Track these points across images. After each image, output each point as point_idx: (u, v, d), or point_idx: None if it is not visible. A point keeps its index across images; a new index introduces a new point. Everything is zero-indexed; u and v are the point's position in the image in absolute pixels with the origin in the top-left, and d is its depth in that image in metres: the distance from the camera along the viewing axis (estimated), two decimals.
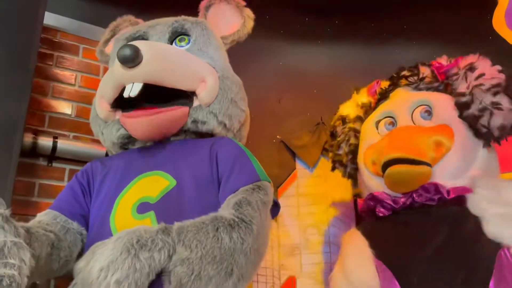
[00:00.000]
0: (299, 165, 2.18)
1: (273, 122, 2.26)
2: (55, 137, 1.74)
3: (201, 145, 1.25)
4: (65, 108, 1.88)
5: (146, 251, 0.91)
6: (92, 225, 1.20)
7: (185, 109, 1.26)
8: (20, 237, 0.90)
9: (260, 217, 1.07)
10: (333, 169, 1.86)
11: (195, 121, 1.28)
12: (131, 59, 1.13)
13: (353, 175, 1.74)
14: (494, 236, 1.22)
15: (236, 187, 1.12)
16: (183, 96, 1.27)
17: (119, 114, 1.29)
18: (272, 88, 2.31)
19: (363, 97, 1.77)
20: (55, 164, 1.78)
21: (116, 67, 1.18)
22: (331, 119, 2.24)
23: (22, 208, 1.66)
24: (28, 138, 1.69)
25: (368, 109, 1.73)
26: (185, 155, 1.23)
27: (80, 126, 1.86)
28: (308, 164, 2.16)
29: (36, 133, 1.73)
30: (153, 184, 1.17)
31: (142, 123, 1.22)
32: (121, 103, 1.26)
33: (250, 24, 1.49)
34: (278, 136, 2.24)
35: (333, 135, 1.81)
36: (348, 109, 1.81)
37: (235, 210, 1.05)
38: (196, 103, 1.28)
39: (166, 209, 1.12)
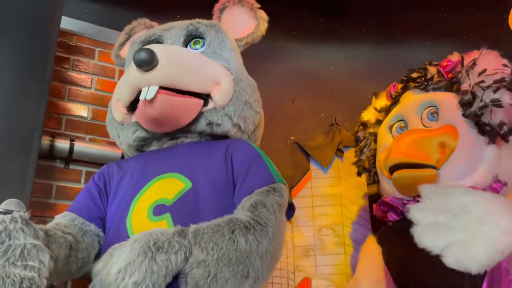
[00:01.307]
0: (313, 166, 2.17)
1: (287, 123, 2.26)
2: (71, 140, 1.76)
3: (216, 147, 1.25)
4: (81, 110, 1.90)
5: (163, 253, 0.92)
6: (109, 227, 1.21)
7: (199, 100, 1.27)
8: (39, 240, 0.91)
9: (276, 219, 1.07)
10: (359, 174, 1.87)
11: (210, 123, 1.28)
12: (147, 63, 1.14)
13: (376, 179, 1.74)
14: (424, 246, 1.17)
15: (251, 189, 1.12)
16: (198, 97, 1.28)
17: (135, 117, 1.30)
18: (285, 89, 2.31)
19: (382, 101, 1.76)
20: (72, 166, 1.80)
21: (132, 70, 1.20)
22: (344, 119, 2.25)
23: (40, 210, 1.69)
24: (46, 141, 1.71)
25: (388, 113, 1.72)
26: (200, 157, 1.23)
27: (96, 129, 1.88)
28: (322, 165, 2.16)
29: (53, 135, 1.75)
30: (169, 186, 1.18)
31: (157, 100, 1.19)
32: (137, 107, 1.27)
33: (264, 26, 1.50)
34: (292, 137, 2.24)
35: (356, 140, 1.82)
36: (369, 114, 1.81)
37: (251, 212, 1.05)
38: (211, 105, 1.29)
39: (182, 211, 1.12)
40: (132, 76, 1.21)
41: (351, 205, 2.09)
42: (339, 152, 2.17)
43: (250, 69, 1.46)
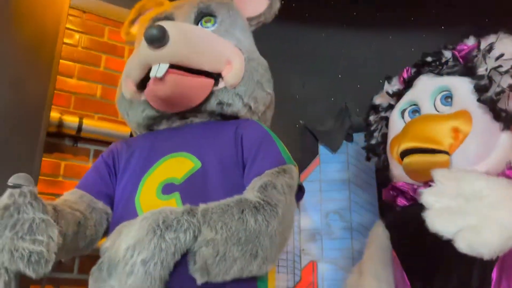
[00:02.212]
0: (322, 150, 2.16)
1: (296, 107, 2.23)
2: (80, 118, 1.76)
3: (226, 127, 1.24)
4: (90, 89, 1.89)
5: (172, 231, 0.91)
6: (117, 205, 1.21)
7: (210, 80, 1.25)
8: (48, 214, 0.91)
9: (286, 201, 1.06)
10: (368, 159, 1.84)
11: (220, 103, 1.26)
12: (158, 40, 1.12)
13: (386, 164, 1.72)
14: (436, 231, 1.13)
15: (262, 170, 1.11)
16: (209, 77, 1.25)
17: (144, 95, 1.28)
18: (296, 72, 2.28)
19: (394, 85, 1.73)
20: (80, 145, 1.80)
21: (142, 47, 1.18)
22: (355, 104, 2.22)
23: (48, 187, 1.69)
24: (54, 118, 1.71)
25: (400, 98, 1.69)
26: (210, 137, 1.22)
27: (105, 108, 1.88)
28: (331, 150, 2.14)
29: (62, 113, 1.75)
30: (178, 165, 1.17)
31: (167, 80, 1.17)
32: (146, 83, 1.26)
33: (277, 5, 1.47)
34: (301, 121, 2.22)
35: (367, 124, 1.79)
36: (381, 98, 1.78)
37: (261, 193, 1.04)
38: (221, 84, 1.27)
39: (191, 190, 1.11)
40: (142, 53, 1.19)
41: (359, 191, 2.08)
42: (349, 137, 2.15)
43: (260, 50, 1.44)
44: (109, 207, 1.21)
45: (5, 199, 0.89)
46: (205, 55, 1.24)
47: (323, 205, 2.06)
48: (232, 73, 1.26)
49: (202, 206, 0.99)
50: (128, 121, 1.37)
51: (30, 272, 0.85)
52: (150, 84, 1.21)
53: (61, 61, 1.81)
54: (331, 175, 2.11)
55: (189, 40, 1.21)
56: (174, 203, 1.09)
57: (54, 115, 1.71)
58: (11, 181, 0.92)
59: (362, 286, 1.50)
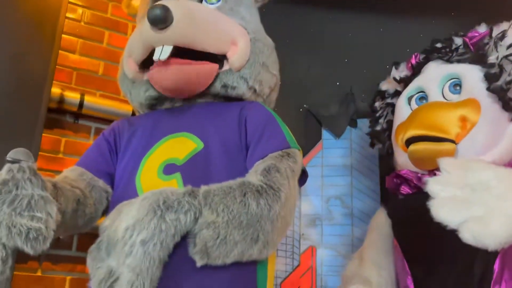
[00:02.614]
0: (325, 135, 2.14)
1: (301, 90, 2.20)
2: (82, 94, 1.74)
3: (230, 109, 1.22)
4: (93, 65, 1.86)
5: (172, 212, 0.90)
6: (117, 183, 1.19)
7: (214, 65, 1.22)
8: (47, 191, 0.89)
9: (289, 185, 1.04)
10: (372, 145, 1.82)
11: (225, 86, 1.24)
12: (161, 21, 1.09)
13: (390, 151, 1.70)
14: (441, 220, 1.11)
15: (265, 153, 1.09)
16: (213, 59, 1.22)
17: (147, 75, 1.25)
18: (301, 55, 2.25)
19: (402, 71, 1.70)
20: (81, 122, 1.78)
21: (145, 28, 1.14)
22: (360, 90, 2.19)
23: (48, 164, 1.68)
24: (56, 94, 1.68)
25: (407, 84, 1.66)
26: (213, 118, 1.20)
27: (107, 85, 1.86)
28: (334, 135, 2.12)
29: (63, 89, 1.72)
30: (180, 145, 1.15)
31: (169, 71, 1.16)
32: (149, 64, 1.22)
33: None
34: (305, 105, 2.19)
35: (373, 110, 1.77)
36: (388, 84, 1.75)
37: (263, 177, 1.02)
38: (226, 66, 1.24)
39: (193, 171, 1.10)
40: (145, 34, 1.15)
41: (362, 177, 2.06)
42: (353, 122, 2.13)
43: (266, 31, 1.40)
44: (109, 186, 1.20)
45: (3, 174, 0.87)
46: (210, 36, 1.20)
47: (325, 190, 2.04)
48: (237, 55, 1.23)
49: (203, 187, 0.98)
50: (131, 100, 1.34)
51: (28, 249, 0.84)
52: (154, 71, 1.19)
53: (63, 36, 1.78)
54: (334, 160, 2.09)
55: (194, 20, 1.17)
56: (175, 184, 1.08)
57: (55, 90, 1.69)
58: (10, 156, 0.90)
59: (362, 273, 1.50)
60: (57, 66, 1.71)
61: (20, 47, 1.52)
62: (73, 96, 1.73)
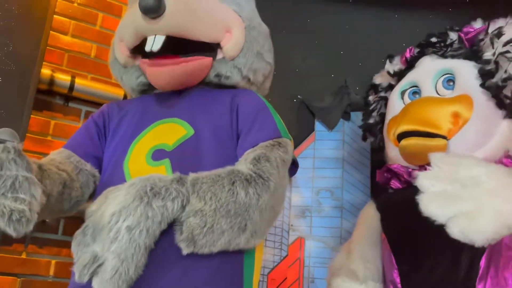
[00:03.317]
0: (318, 127, 2.13)
1: (295, 81, 2.19)
2: (73, 76, 1.71)
3: (222, 96, 1.20)
4: (85, 48, 1.83)
5: (160, 199, 0.89)
6: (105, 168, 1.17)
7: (208, 59, 1.20)
8: (32, 173, 0.88)
9: (278, 175, 1.03)
10: (364, 139, 1.82)
11: (218, 75, 1.22)
12: (154, 9, 1.06)
13: (382, 145, 1.69)
14: (429, 215, 1.10)
15: (256, 141, 1.08)
16: (207, 48, 1.20)
17: (138, 60, 1.23)
18: (297, 46, 2.23)
19: (396, 65, 1.69)
20: (71, 104, 1.76)
21: (137, 15, 1.11)
22: (355, 82, 2.18)
23: (36, 146, 1.65)
24: (46, 75, 1.66)
25: (401, 78, 1.65)
26: (204, 105, 1.18)
27: (99, 68, 1.83)
28: (327, 127, 2.11)
29: (54, 70, 1.69)
30: (170, 131, 1.14)
31: (163, 73, 1.16)
32: (141, 49, 1.19)
33: None
34: (299, 96, 2.18)
35: (366, 104, 1.76)
36: (381, 77, 1.74)
37: (253, 165, 1.01)
38: (220, 55, 1.22)
39: (182, 158, 1.08)
40: (137, 22, 1.12)
41: (353, 170, 2.06)
42: (346, 115, 2.12)
43: (262, 21, 1.38)
44: (97, 170, 1.18)
45: None
46: (203, 25, 1.18)
47: (315, 182, 2.04)
48: (231, 44, 1.21)
49: (192, 175, 0.96)
50: (123, 84, 1.32)
51: (10, 231, 0.82)
52: (148, 71, 1.18)
53: (55, 16, 1.75)
54: (326, 152, 2.09)
55: (187, 8, 1.14)
56: (163, 170, 1.06)
57: (46, 72, 1.66)
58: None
59: (348, 265, 1.50)
60: (48, 47, 1.68)
61: (9, 24, 1.49)
62: (63, 78, 1.70)
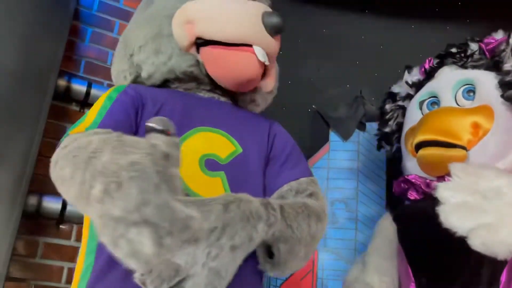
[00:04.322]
0: (333, 137, 2.11)
1: (310, 91, 2.18)
2: (89, 83, 1.72)
3: (260, 120, 1.23)
4: (101, 55, 1.84)
5: (263, 223, 0.91)
6: None
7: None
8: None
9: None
10: (379, 147, 1.80)
11: (253, 101, 1.27)
12: (282, 31, 1.14)
13: (398, 155, 1.67)
14: (450, 226, 1.11)
15: (297, 176, 1.13)
16: None
17: (194, 50, 1.15)
18: (312, 56, 2.22)
19: (415, 76, 1.68)
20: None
21: (258, 28, 1.12)
22: (371, 93, 2.16)
23: (51, 151, 1.65)
24: (62, 82, 1.67)
25: (419, 89, 1.64)
26: (249, 125, 1.19)
27: None
28: (342, 138, 2.09)
29: (71, 77, 1.70)
30: (219, 143, 1.10)
31: (250, 58, 1.11)
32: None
33: None
34: (313, 106, 2.17)
35: (382, 113, 1.75)
36: (399, 87, 1.73)
37: (316, 201, 1.09)
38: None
39: (234, 174, 1.07)
40: (257, 32, 1.12)
41: (368, 181, 2.03)
42: (362, 125, 2.10)
43: None
44: None
45: (163, 146, 0.76)
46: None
47: (329, 193, 2.01)
48: (271, 81, 1.26)
49: (276, 202, 0.99)
50: (156, 62, 1.16)
51: None
52: (230, 55, 1.12)
53: (73, 23, 1.77)
54: (340, 163, 2.06)
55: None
56: (219, 182, 1.04)
57: (62, 78, 1.67)
58: (158, 124, 0.79)
59: (364, 278, 1.47)
60: (65, 54, 1.69)
61: (28, 33, 1.50)
62: (80, 85, 1.71)
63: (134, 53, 1.18)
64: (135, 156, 0.72)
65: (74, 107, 1.75)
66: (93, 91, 1.71)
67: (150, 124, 0.79)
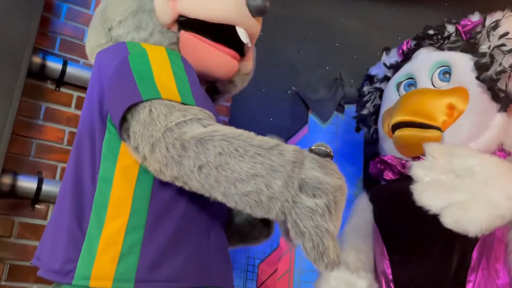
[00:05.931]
0: (312, 119, 2.12)
1: (290, 73, 2.17)
2: (65, 61, 1.68)
3: None
4: (77, 32, 1.80)
5: None
6: None
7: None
8: None
9: None
10: (357, 129, 1.81)
11: (232, 81, 1.25)
12: (266, 12, 1.15)
13: (375, 137, 1.69)
14: (423, 204, 1.12)
15: None
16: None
17: (175, 28, 1.13)
18: (293, 37, 2.22)
19: (392, 57, 1.68)
20: (63, 89, 1.72)
21: (241, 8, 1.12)
22: (350, 75, 2.17)
23: (26, 130, 1.62)
24: (37, 59, 1.62)
25: (397, 70, 1.65)
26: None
27: None
28: (321, 119, 2.10)
29: (46, 55, 1.66)
30: None
31: (229, 62, 1.15)
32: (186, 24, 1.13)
33: None
34: (293, 88, 2.17)
35: (360, 95, 1.75)
36: (377, 69, 1.73)
37: None
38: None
39: None
40: (241, 14, 1.13)
41: (346, 163, 2.05)
42: (340, 107, 2.11)
43: None
44: None
45: (340, 179, 0.85)
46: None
47: None
48: (249, 63, 1.26)
49: None
50: (141, 38, 1.12)
51: None
52: (210, 53, 1.13)
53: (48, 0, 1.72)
54: None
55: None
56: None
57: (37, 56, 1.63)
58: (325, 150, 0.86)
59: (345, 233, 1.50)
60: (40, 30, 1.65)
61: (1, 4, 1.46)
62: (55, 62, 1.67)
63: (113, 27, 1.14)
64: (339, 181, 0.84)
65: (49, 86, 1.71)
66: (69, 69, 1.67)
67: (325, 149, 0.87)
